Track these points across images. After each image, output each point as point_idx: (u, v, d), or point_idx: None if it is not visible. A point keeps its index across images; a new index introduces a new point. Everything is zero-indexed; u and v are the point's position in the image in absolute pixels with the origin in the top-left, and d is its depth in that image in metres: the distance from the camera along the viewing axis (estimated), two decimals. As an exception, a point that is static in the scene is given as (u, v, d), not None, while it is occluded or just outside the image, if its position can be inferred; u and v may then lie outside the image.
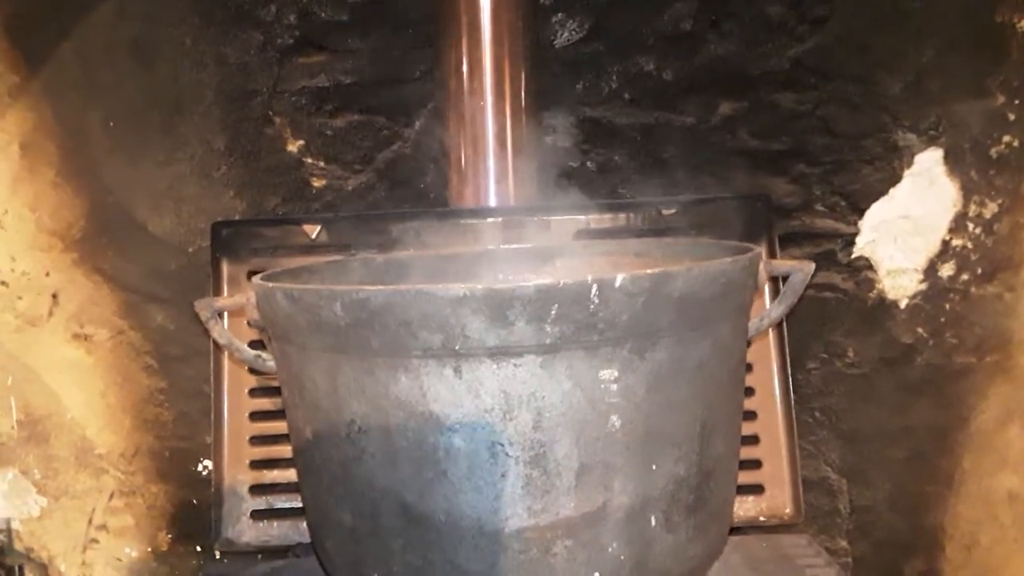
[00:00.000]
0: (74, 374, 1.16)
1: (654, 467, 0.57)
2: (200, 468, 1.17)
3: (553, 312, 0.52)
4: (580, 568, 0.57)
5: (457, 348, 0.53)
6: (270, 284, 0.59)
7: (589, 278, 0.52)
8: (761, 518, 0.93)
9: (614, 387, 0.55)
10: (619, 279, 0.52)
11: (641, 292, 0.53)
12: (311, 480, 0.63)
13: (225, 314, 0.93)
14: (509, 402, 0.54)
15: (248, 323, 0.67)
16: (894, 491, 1.17)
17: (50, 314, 1.16)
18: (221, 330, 0.69)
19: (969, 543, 1.16)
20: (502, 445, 0.55)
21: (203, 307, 0.69)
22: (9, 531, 1.18)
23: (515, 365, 0.54)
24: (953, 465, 1.15)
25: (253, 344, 0.77)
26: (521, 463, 0.55)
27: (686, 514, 0.60)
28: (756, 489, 0.95)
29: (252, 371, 0.96)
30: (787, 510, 0.93)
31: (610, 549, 0.57)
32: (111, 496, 1.18)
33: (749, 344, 0.70)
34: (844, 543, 1.18)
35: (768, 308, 0.72)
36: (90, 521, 1.19)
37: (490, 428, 0.54)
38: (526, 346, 0.53)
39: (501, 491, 0.55)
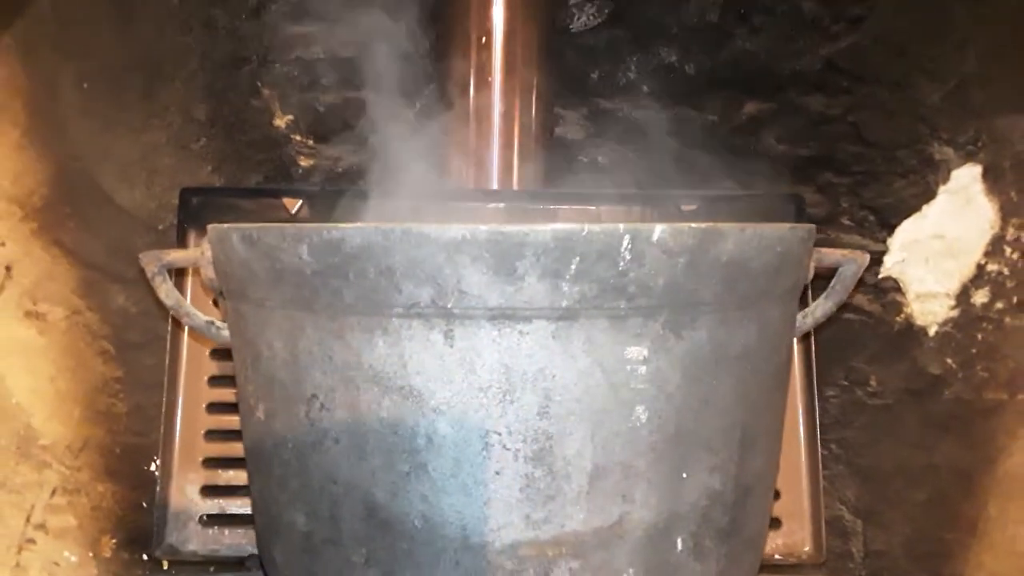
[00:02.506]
0: (23, 356, 1.04)
1: (684, 476, 0.45)
2: (153, 468, 1.04)
3: (573, 267, 0.40)
4: (587, 597, 0.44)
5: (450, 306, 0.41)
6: (225, 225, 0.47)
7: (621, 227, 0.40)
8: (777, 556, 0.81)
9: (642, 370, 0.42)
10: (658, 230, 0.41)
11: (684, 250, 0.41)
12: (261, 473, 0.51)
13: (189, 290, 0.81)
14: (511, 380, 0.42)
15: (202, 284, 0.55)
16: (913, 536, 1.06)
17: (2, 288, 1.04)
18: (169, 289, 0.56)
19: (993, 598, 1.05)
20: (499, 435, 0.42)
21: (149, 260, 0.56)
22: (-63, 527, 1.04)
23: (521, 333, 0.41)
24: (978, 511, 1.04)
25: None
26: (521, 459, 0.42)
27: (719, 539, 0.47)
28: (773, 523, 0.82)
29: (213, 355, 0.83)
30: (806, 548, 0.81)
31: None
32: (53, 492, 1.05)
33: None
34: (856, 591, 1.06)
35: (813, 304, 0.60)
36: (28, 519, 1.06)
37: (485, 412, 0.42)
38: (537, 309, 0.41)
39: (494, 493, 0.43)
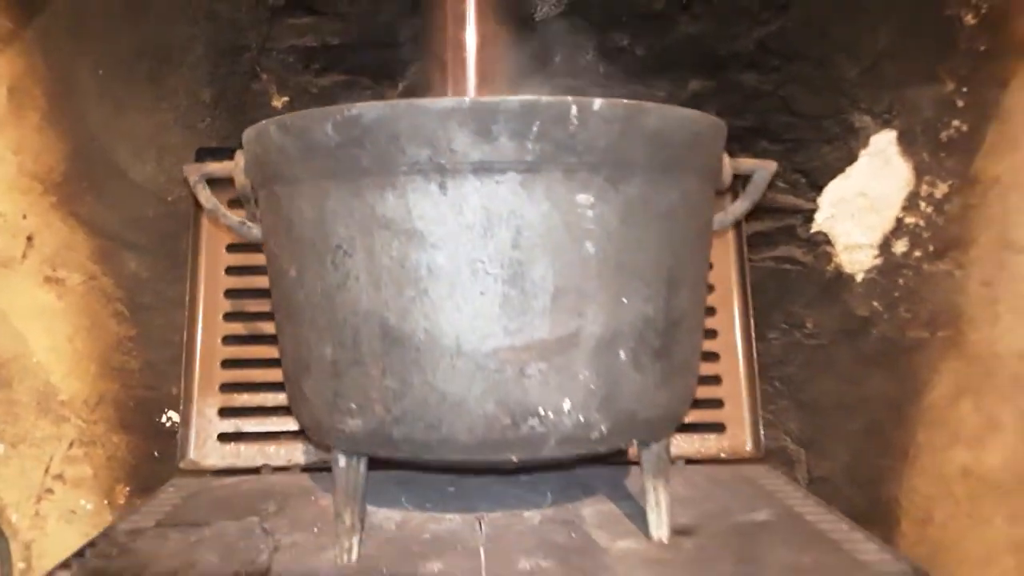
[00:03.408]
0: (43, 318, 1.17)
1: (624, 300, 0.60)
2: (164, 419, 1.17)
3: (535, 128, 0.56)
4: (552, 392, 0.59)
5: (443, 162, 0.56)
6: (263, 121, 0.62)
7: (569, 98, 0.56)
8: (723, 455, 0.95)
9: (589, 213, 0.58)
10: (597, 103, 0.57)
11: (617, 119, 0.57)
12: (292, 322, 0.65)
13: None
14: (490, 219, 0.57)
15: (235, 184, 0.69)
16: (851, 463, 1.20)
17: (24, 256, 1.17)
18: (207, 195, 0.71)
19: (924, 518, 1.19)
20: (482, 263, 0.58)
21: (192, 171, 0.71)
22: (-40, 479, 1.16)
23: (497, 182, 0.57)
24: (908, 439, 1.19)
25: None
26: (500, 281, 0.58)
27: (653, 357, 0.62)
28: (718, 428, 0.97)
29: (227, 295, 0.97)
30: (748, 447, 0.96)
31: (581, 377, 0.60)
32: (70, 445, 1.17)
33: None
34: (803, 512, 1.19)
35: (733, 204, 0.76)
36: (47, 470, 1.17)
37: (471, 245, 0.57)
38: (508, 162, 0.57)
39: (480, 309, 0.58)
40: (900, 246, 1.19)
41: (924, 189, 1.19)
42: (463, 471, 0.80)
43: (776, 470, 0.93)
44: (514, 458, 0.60)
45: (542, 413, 0.59)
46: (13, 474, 1.17)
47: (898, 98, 1.18)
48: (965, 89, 1.17)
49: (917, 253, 1.19)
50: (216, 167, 0.72)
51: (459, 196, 0.57)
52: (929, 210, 1.19)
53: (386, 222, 0.58)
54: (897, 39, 1.18)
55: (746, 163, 0.75)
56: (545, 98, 0.56)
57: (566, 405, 0.59)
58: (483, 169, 0.57)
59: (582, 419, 0.60)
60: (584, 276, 0.59)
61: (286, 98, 1.19)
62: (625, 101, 0.58)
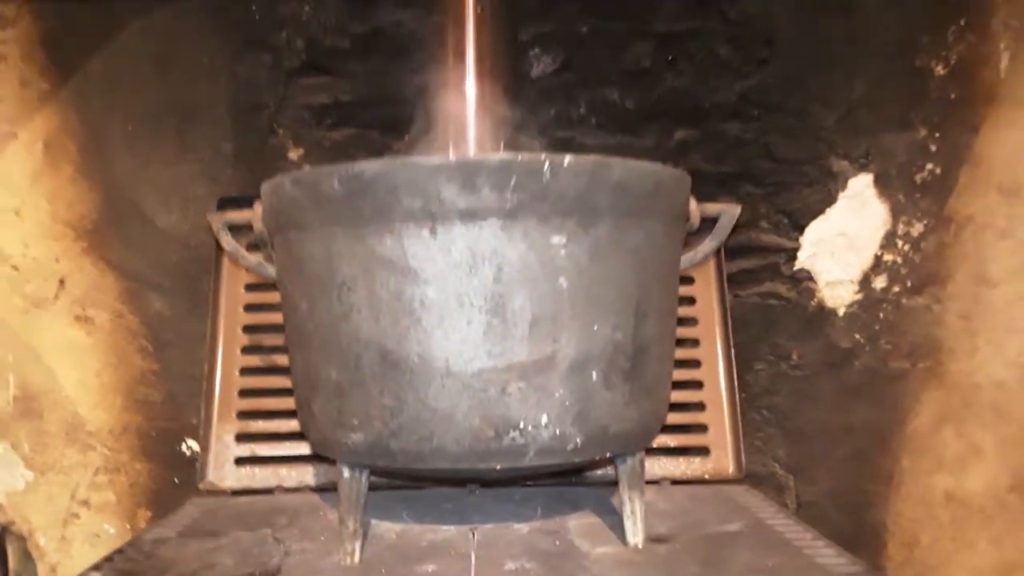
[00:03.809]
0: (73, 354, 1.28)
1: (595, 328, 0.70)
2: (184, 448, 1.27)
3: (513, 181, 0.66)
4: (531, 409, 0.68)
5: (433, 210, 0.66)
6: (279, 176, 0.73)
7: (543, 155, 0.66)
8: (707, 476, 1.04)
9: (562, 252, 0.68)
10: (567, 159, 0.67)
11: (584, 172, 0.68)
12: (303, 350, 0.75)
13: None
14: (475, 258, 0.67)
15: (253, 229, 0.80)
16: (837, 488, 1.27)
17: (56, 297, 1.28)
18: (229, 239, 0.82)
19: (910, 541, 1.26)
20: (468, 296, 0.67)
21: (215, 219, 0.82)
22: (-7, 505, 1.26)
23: (480, 227, 0.67)
24: (892, 465, 1.27)
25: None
26: (483, 312, 0.67)
27: (623, 378, 0.72)
28: (703, 451, 1.05)
29: (245, 330, 1.08)
30: (730, 469, 1.04)
31: (557, 395, 0.69)
32: (96, 472, 1.27)
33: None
34: (791, 537, 1.27)
35: (702, 244, 0.86)
36: (73, 496, 1.27)
37: (458, 281, 0.67)
38: (490, 209, 0.66)
39: (466, 336, 0.67)
40: (879, 282, 1.28)
41: (901, 228, 1.28)
42: (454, 483, 0.89)
43: (754, 490, 1.01)
44: (497, 467, 0.69)
45: (522, 426, 0.68)
46: (41, 500, 1.27)
47: (874, 144, 1.28)
48: (937, 134, 1.27)
49: (896, 288, 1.27)
50: (236, 215, 0.83)
51: (448, 239, 0.67)
52: (906, 248, 1.28)
53: (384, 262, 0.68)
54: (871, 89, 1.28)
55: (712, 207, 0.85)
56: (521, 155, 0.66)
57: (543, 419, 0.69)
58: (468, 216, 0.67)
59: (558, 432, 0.69)
60: (558, 307, 0.68)
61: (301, 151, 1.30)
62: (592, 157, 0.68)
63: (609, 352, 0.71)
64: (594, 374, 0.70)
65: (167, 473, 1.27)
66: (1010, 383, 1.24)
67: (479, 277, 0.67)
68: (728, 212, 0.84)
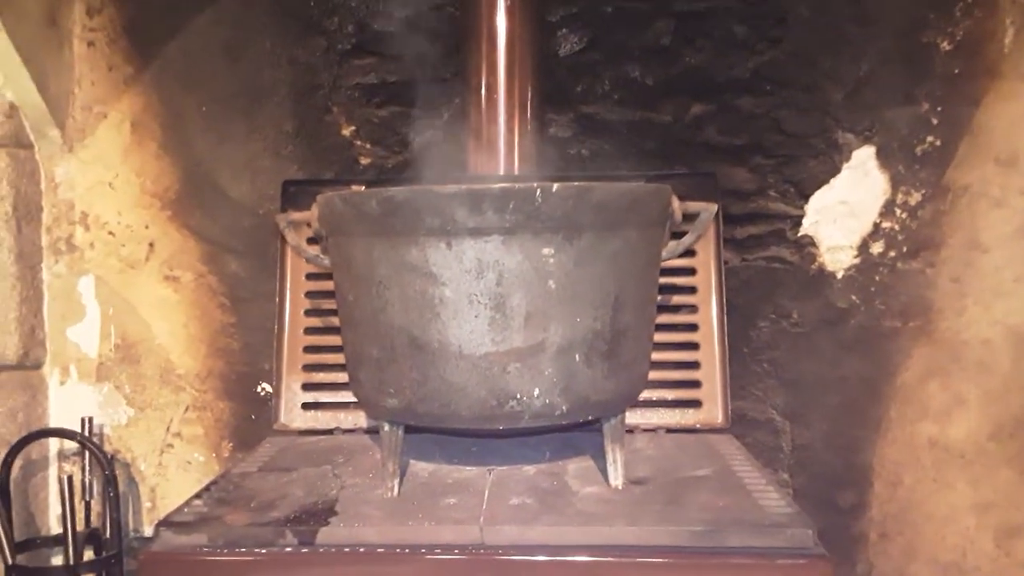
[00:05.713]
0: (163, 309, 1.55)
1: (578, 320, 0.92)
2: (259, 390, 1.54)
3: (511, 205, 0.88)
4: (526, 384, 0.92)
5: (449, 228, 0.89)
6: (330, 193, 0.96)
7: (535, 184, 0.87)
8: (698, 425, 1.26)
9: (551, 260, 0.90)
10: (555, 187, 0.88)
11: (570, 196, 0.89)
12: (352, 332, 0.99)
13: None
14: (481, 266, 0.90)
15: (310, 228, 1.03)
16: (830, 433, 1.48)
17: (147, 259, 1.55)
18: (292, 235, 1.06)
19: (895, 481, 1.47)
20: (476, 295, 0.90)
21: (281, 219, 1.06)
22: (101, 435, 1.55)
23: (486, 241, 0.89)
24: (881, 413, 1.46)
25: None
26: (488, 308, 0.91)
27: (602, 358, 0.94)
28: (696, 404, 1.28)
29: (307, 296, 1.32)
30: (719, 420, 1.26)
31: (546, 373, 0.92)
32: (186, 409, 1.56)
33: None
34: (786, 476, 1.49)
35: (683, 238, 1.06)
36: (167, 429, 1.56)
37: (468, 283, 0.90)
38: (493, 227, 0.89)
39: (475, 327, 0.91)
40: (877, 247, 1.45)
41: (900, 197, 1.45)
42: (471, 435, 1.14)
43: (735, 439, 1.23)
44: (500, 427, 0.93)
45: (519, 397, 0.92)
46: (141, 433, 1.57)
47: (878, 117, 1.44)
48: (940, 108, 1.42)
49: (892, 253, 1.45)
50: (298, 216, 1.07)
51: (460, 250, 0.90)
52: (904, 216, 1.45)
53: (411, 267, 0.91)
54: (878, 66, 1.43)
55: (693, 206, 1.05)
56: (517, 184, 0.87)
57: (536, 392, 0.92)
58: (476, 232, 0.89)
59: (548, 402, 0.93)
60: (548, 304, 0.91)
61: (353, 127, 1.52)
62: (577, 183, 0.89)
63: (589, 339, 0.93)
64: (577, 356, 0.93)
65: (246, 410, 1.55)
66: (995, 340, 1.42)
67: (485, 281, 0.90)
68: (707, 210, 1.04)
